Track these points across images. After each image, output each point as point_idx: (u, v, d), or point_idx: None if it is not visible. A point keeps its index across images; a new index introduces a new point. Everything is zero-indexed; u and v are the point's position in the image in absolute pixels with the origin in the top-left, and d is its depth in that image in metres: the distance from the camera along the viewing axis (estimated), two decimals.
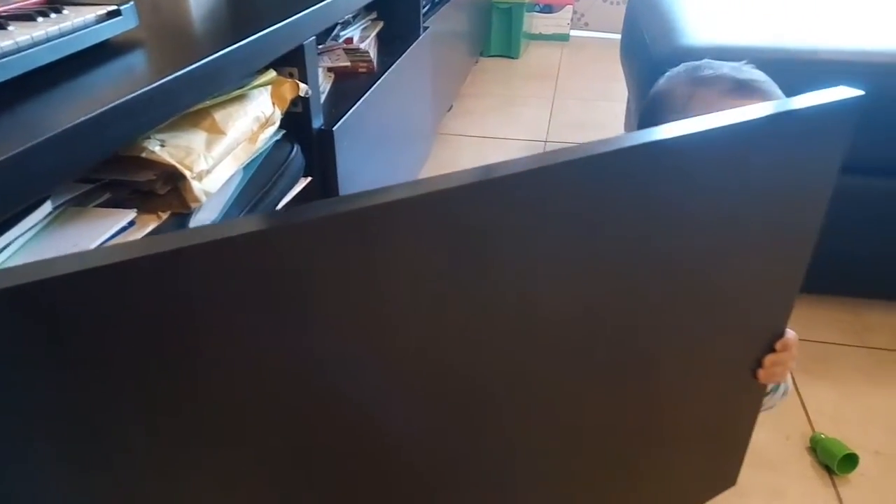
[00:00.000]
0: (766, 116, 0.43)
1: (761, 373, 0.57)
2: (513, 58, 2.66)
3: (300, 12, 0.76)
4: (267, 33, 0.68)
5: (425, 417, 0.39)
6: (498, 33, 2.64)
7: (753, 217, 0.47)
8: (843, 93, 0.45)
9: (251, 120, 0.70)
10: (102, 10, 0.54)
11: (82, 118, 0.42)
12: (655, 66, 1.07)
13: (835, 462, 0.87)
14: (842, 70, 0.98)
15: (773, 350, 0.56)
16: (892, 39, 1.05)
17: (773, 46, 1.03)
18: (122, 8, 0.56)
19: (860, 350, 1.07)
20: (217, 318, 0.28)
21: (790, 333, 0.57)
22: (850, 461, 0.87)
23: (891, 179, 1.04)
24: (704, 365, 0.54)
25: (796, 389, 0.99)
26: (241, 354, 0.30)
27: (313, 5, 0.80)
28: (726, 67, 0.64)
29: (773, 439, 0.91)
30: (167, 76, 0.51)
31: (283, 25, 0.72)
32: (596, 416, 0.50)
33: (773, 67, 1.04)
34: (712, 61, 0.65)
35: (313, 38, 0.83)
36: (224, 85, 0.66)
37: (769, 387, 0.66)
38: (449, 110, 2.02)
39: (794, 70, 0.96)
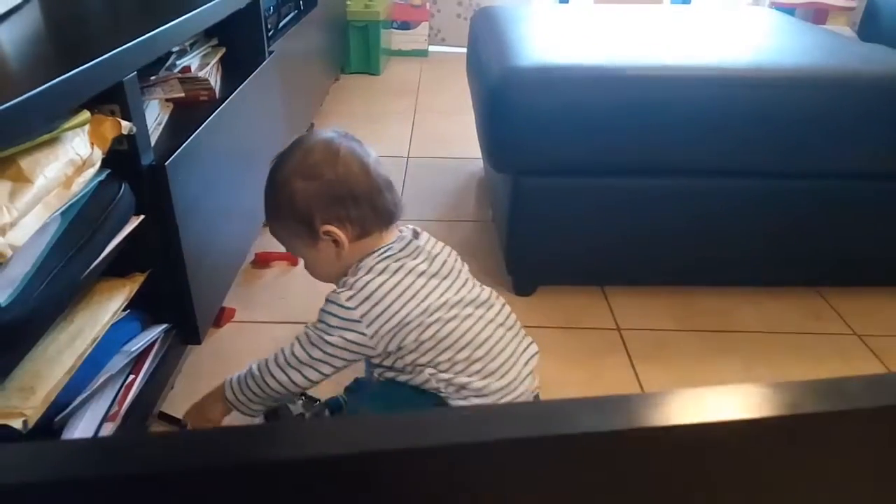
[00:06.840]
0: None
1: None
2: (373, 74, 2.69)
3: (114, 50, 0.73)
4: (74, 74, 0.65)
5: None
6: (357, 51, 2.66)
7: None
8: None
9: (64, 164, 0.67)
10: None
11: None
12: (492, 85, 1.14)
13: None
14: (634, 84, 1.10)
15: None
16: (679, 57, 1.19)
17: (587, 64, 1.14)
18: None
19: (691, 334, 1.19)
20: None
21: None
22: None
23: (696, 179, 1.17)
24: None
25: (636, 376, 1.08)
26: None
27: (129, 42, 0.77)
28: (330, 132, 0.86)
29: None
30: None
31: (93, 65, 0.69)
32: None
33: (584, 82, 1.15)
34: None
35: (134, 73, 0.80)
36: (26, 131, 0.63)
37: None
38: (309, 129, 2.01)
39: (599, 84, 1.08)
